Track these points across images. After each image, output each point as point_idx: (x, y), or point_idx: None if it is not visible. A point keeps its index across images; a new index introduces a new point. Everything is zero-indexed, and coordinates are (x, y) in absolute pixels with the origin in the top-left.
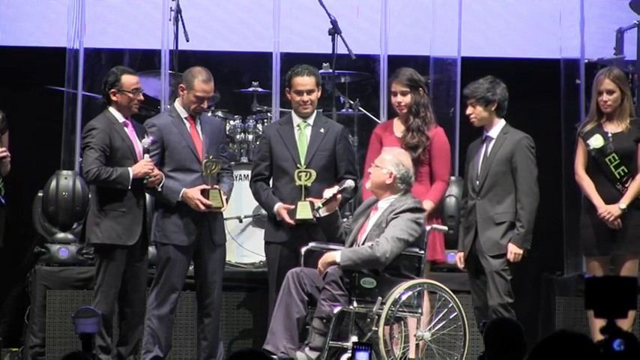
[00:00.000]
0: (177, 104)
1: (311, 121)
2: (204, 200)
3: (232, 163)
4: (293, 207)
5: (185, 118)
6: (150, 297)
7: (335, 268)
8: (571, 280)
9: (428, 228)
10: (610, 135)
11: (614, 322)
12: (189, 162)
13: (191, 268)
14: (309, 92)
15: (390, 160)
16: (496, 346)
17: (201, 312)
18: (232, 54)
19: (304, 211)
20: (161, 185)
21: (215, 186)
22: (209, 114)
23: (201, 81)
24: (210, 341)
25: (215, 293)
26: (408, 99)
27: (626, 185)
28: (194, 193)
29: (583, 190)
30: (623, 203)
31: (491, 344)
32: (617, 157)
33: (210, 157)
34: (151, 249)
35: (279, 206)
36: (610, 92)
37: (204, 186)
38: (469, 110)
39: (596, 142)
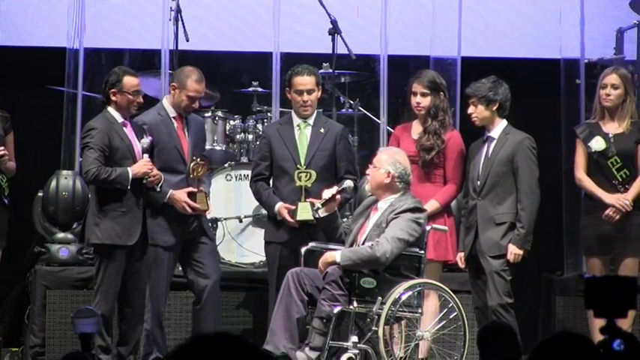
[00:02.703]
0: (166, 102)
1: (311, 121)
2: (192, 203)
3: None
4: (294, 207)
5: (173, 117)
6: (147, 300)
7: (335, 268)
8: (571, 280)
9: (428, 228)
10: (611, 136)
11: (614, 322)
12: (175, 163)
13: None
14: (310, 92)
15: (386, 160)
16: (490, 351)
17: (199, 300)
18: (232, 54)
19: (305, 211)
20: (160, 185)
21: (201, 189)
22: (209, 113)
23: (194, 81)
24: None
25: (212, 278)
26: (427, 101)
27: (627, 187)
28: (181, 196)
29: (586, 189)
30: (630, 196)
31: (485, 349)
32: (619, 160)
33: (198, 159)
34: None
35: (280, 206)
36: (615, 87)
37: (190, 189)
38: (470, 109)
39: (598, 144)
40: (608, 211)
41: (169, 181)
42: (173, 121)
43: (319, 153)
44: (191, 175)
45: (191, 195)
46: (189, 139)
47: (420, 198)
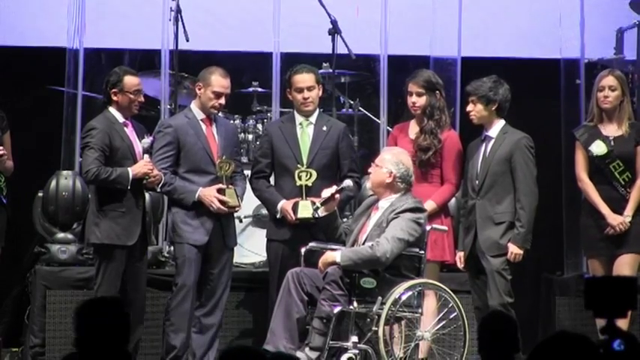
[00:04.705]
0: (194, 106)
1: (313, 119)
2: (220, 197)
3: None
4: (297, 200)
5: (201, 119)
6: (172, 296)
7: (335, 268)
8: (571, 280)
9: (428, 228)
10: (611, 139)
11: (614, 322)
12: (204, 163)
13: None
14: (310, 89)
15: (389, 160)
16: (489, 340)
17: (202, 310)
18: (232, 54)
19: (305, 210)
20: (160, 186)
21: (230, 185)
22: None
23: (218, 75)
24: (210, 341)
25: (222, 293)
26: (422, 100)
27: (629, 190)
28: (210, 191)
29: (588, 197)
30: (629, 212)
31: (484, 338)
32: (621, 164)
33: (224, 157)
34: (151, 248)
35: (283, 203)
36: (612, 89)
37: (220, 185)
38: (469, 107)
39: (599, 149)
40: (609, 229)
41: (198, 182)
42: (201, 123)
43: (321, 151)
44: (218, 173)
45: (220, 191)
46: (219, 141)
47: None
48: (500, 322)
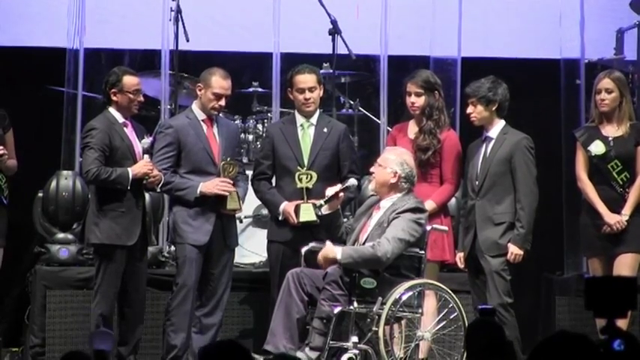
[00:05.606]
0: (195, 106)
1: (314, 120)
2: (225, 187)
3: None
4: (299, 202)
5: (202, 120)
6: (172, 296)
7: (335, 268)
8: (571, 280)
9: (428, 228)
10: (611, 139)
11: (614, 322)
12: (204, 164)
13: None
14: (311, 89)
15: (394, 160)
16: (476, 350)
17: (203, 310)
18: (232, 54)
19: (307, 213)
20: (160, 186)
21: (233, 188)
22: None
23: (219, 77)
24: (210, 341)
25: (223, 293)
26: (421, 101)
27: (627, 190)
28: (213, 182)
29: (586, 196)
30: (627, 211)
31: (471, 347)
32: (619, 164)
33: (228, 158)
34: (151, 249)
35: (285, 205)
36: (608, 91)
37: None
38: (470, 109)
39: (597, 148)
40: (606, 228)
41: (199, 182)
42: (202, 123)
43: (322, 152)
44: (222, 175)
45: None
46: (220, 141)
47: None
48: (487, 331)
